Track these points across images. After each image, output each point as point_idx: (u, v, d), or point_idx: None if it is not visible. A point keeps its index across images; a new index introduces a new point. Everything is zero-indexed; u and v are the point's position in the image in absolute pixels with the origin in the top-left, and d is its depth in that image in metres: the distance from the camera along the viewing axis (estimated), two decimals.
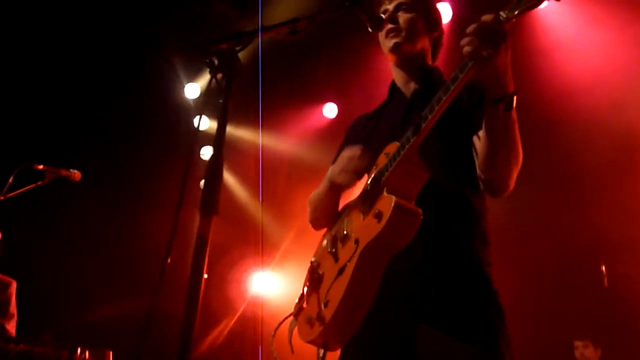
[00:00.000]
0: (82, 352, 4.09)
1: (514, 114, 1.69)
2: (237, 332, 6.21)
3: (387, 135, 2.07)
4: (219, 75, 1.39)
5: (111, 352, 4.27)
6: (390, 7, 2.20)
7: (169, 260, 1.36)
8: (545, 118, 4.94)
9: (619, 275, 4.54)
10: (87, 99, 5.87)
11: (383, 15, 2.13)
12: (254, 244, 6.07)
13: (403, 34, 2.13)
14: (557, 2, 1.59)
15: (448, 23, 5.16)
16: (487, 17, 1.54)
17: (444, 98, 1.63)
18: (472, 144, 1.92)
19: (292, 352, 1.92)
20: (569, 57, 4.88)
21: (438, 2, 5.08)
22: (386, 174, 1.79)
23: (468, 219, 1.92)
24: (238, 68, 1.38)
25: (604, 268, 4.50)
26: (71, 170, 3.61)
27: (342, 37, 5.39)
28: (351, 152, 1.96)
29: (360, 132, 2.27)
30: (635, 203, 4.93)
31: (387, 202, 1.72)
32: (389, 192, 1.74)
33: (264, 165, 5.67)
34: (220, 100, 1.33)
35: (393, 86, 2.25)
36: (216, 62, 1.38)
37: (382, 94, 2.31)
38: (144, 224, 5.49)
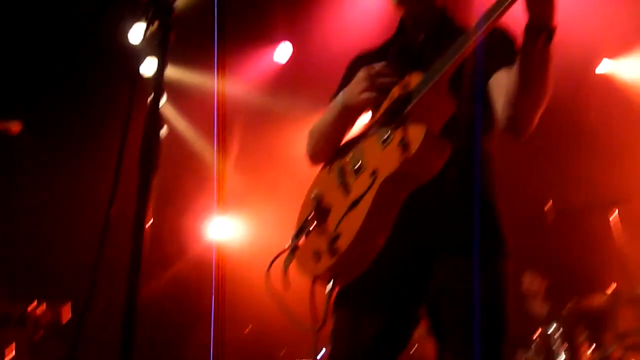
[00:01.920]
0: (39, 304, 4.03)
1: (551, 51, 1.60)
2: (192, 277, 6.22)
3: (399, 72, 1.89)
4: (155, 24, 1.33)
5: (70, 303, 4.24)
6: None
7: (112, 211, 1.33)
8: None
9: (563, 212, 4.75)
10: (24, 44, 5.54)
11: None
12: (210, 190, 6.04)
13: None
14: None
15: None
16: None
17: (486, 24, 1.53)
18: (488, 88, 1.85)
19: (288, 288, 1.81)
20: None
21: None
22: (411, 103, 1.68)
23: (485, 161, 1.90)
24: (173, 20, 1.32)
25: (550, 204, 4.67)
26: (9, 121, 3.42)
27: None
28: (370, 70, 1.83)
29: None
30: (583, 145, 5.13)
31: (417, 131, 1.59)
32: (416, 121, 1.62)
33: (219, 111, 5.56)
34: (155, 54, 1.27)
35: (401, 26, 2.11)
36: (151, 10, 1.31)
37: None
38: (90, 172, 5.36)
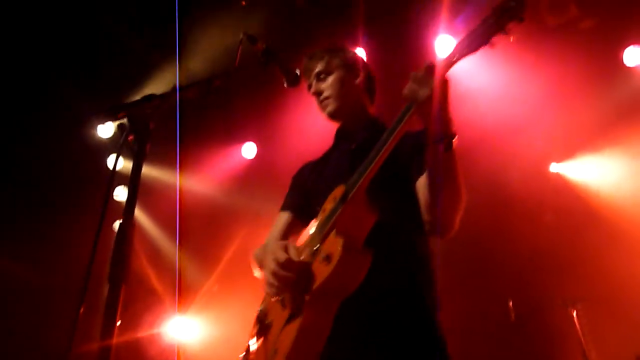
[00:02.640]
0: None
1: (455, 155, 1.75)
2: None
3: (334, 181, 2.07)
4: (130, 138, 1.37)
5: None
6: (312, 81, 2.29)
7: (81, 311, 1.29)
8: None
9: (525, 311, 4.80)
10: None
11: (298, 72, 2.20)
12: (170, 288, 5.88)
13: (331, 99, 2.23)
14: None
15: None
16: (428, 64, 1.65)
17: (390, 140, 1.69)
18: (415, 189, 1.97)
19: None
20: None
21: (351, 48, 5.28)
22: (334, 217, 1.78)
23: (416, 262, 1.96)
24: (150, 132, 1.36)
25: (511, 304, 4.74)
26: None
27: (260, 77, 5.45)
28: (275, 264, 1.87)
29: (307, 178, 2.29)
30: (541, 247, 5.30)
31: (336, 245, 1.68)
32: (337, 234, 1.71)
33: (182, 208, 5.55)
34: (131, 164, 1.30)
35: (339, 133, 2.31)
36: (127, 125, 1.36)
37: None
38: (59, 262, 5.18)
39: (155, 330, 5.90)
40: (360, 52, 5.41)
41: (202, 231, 6.03)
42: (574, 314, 4.67)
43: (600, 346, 4.75)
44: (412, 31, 5.32)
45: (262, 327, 1.89)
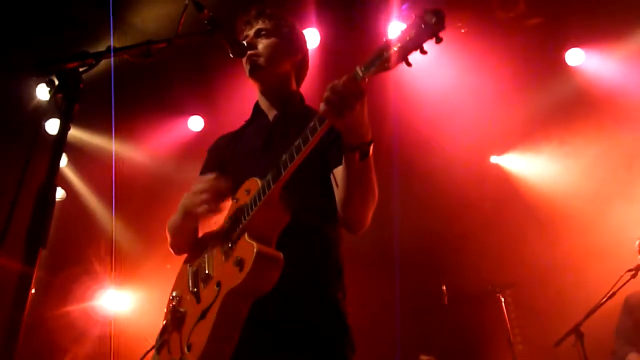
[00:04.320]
0: None
1: (371, 161, 1.77)
2: (86, 354, 5.77)
3: (248, 158, 2.11)
4: (59, 96, 1.30)
5: None
6: (250, 33, 2.23)
7: None
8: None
9: (457, 296, 4.98)
10: None
11: (245, 42, 2.15)
12: (105, 258, 5.74)
13: (262, 59, 2.16)
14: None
15: (316, 48, 5.33)
16: (343, 78, 1.61)
17: (304, 148, 1.68)
18: (331, 178, 1.99)
19: None
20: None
21: (303, 27, 5.23)
22: (247, 217, 1.78)
23: (324, 252, 1.99)
24: (81, 92, 1.30)
25: (444, 288, 4.90)
26: None
27: (208, 48, 5.32)
28: (204, 184, 1.92)
29: (222, 153, 2.26)
30: (477, 235, 5.48)
31: (248, 250, 1.70)
32: (250, 237, 1.74)
33: (121, 178, 5.39)
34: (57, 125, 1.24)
35: (256, 108, 2.28)
36: (56, 82, 1.29)
37: (250, 108, 2.33)
38: None
39: (89, 303, 5.75)
40: (313, 32, 5.37)
41: (143, 203, 5.89)
42: (502, 299, 4.87)
43: (525, 331, 4.99)
44: (366, 15, 5.32)
45: (176, 316, 1.90)
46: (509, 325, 4.80)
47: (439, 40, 1.43)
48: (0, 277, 1.23)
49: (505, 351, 4.77)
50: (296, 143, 1.70)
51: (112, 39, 4.35)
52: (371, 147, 1.75)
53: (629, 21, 5.02)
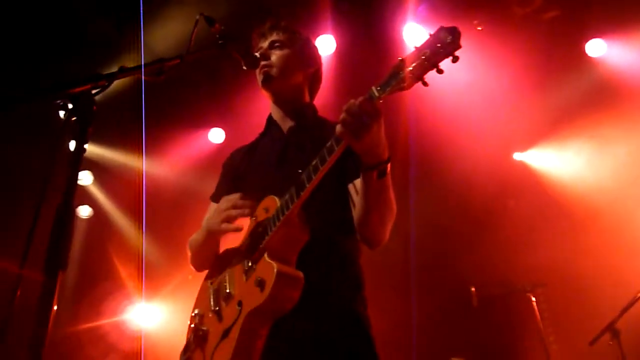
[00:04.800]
0: None
1: (388, 179, 1.77)
2: None
3: (263, 172, 2.11)
4: (73, 119, 1.32)
5: None
6: (264, 45, 2.24)
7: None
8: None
9: (486, 297, 4.90)
10: None
11: (257, 55, 2.16)
12: (135, 274, 5.80)
13: (274, 70, 2.16)
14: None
15: (332, 54, 5.33)
16: (360, 99, 1.60)
17: (321, 167, 1.67)
18: (348, 191, 1.98)
19: None
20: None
21: (319, 34, 5.24)
22: (266, 237, 1.79)
23: (343, 266, 1.98)
24: (94, 114, 1.32)
25: (473, 289, 4.82)
26: None
27: (225, 62, 5.37)
28: (229, 203, 1.93)
29: (237, 167, 2.27)
30: (503, 233, 5.40)
31: (269, 270, 1.71)
32: (270, 257, 1.74)
33: (147, 193, 5.46)
34: (72, 147, 1.25)
35: (270, 120, 2.28)
36: (70, 105, 1.31)
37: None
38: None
39: (118, 317, 5.83)
40: (329, 39, 5.38)
41: (168, 217, 5.95)
42: (533, 299, 4.78)
43: (558, 330, 4.87)
44: (382, 18, 5.30)
45: (198, 335, 1.92)
46: (541, 325, 4.70)
47: (455, 59, 1.43)
48: (25, 293, 1.24)
49: (539, 352, 4.67)
50: (313, 163, 1.70)
51: (142, 59, 4.37)
52: (389, 166, 1.73)
53: None
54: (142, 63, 1.61)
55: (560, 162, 5.75)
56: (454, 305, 5.21)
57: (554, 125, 5.54)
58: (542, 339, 4.64)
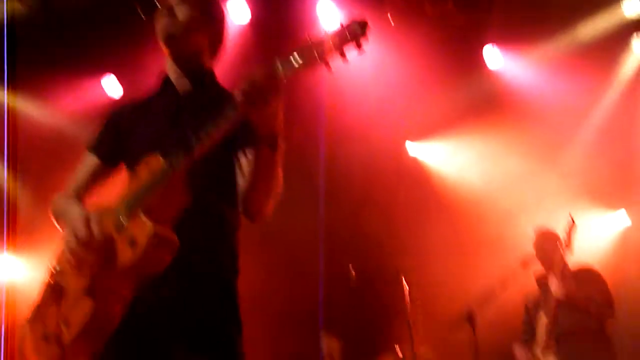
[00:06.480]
0: None
1: (279, 155, 1.79)
2: None
3: (153, 133, 2.02)
4: None
5: None
6: None
7: None
8: None
9: (363, 275, 5.15)
10: None
11: (157, 3, 2.04)
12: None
13: (179, 28, 2.04)
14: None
15: (247, 24, 5.20)
16: (262, 72, 1.60)
17: (212, 132, 1.67)
18: (237, 161, 1.95)
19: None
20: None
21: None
22: (145, 195, 1.72)
23: (222, 236, 1.98)
24: None
25: (352, 271, 5.03)
26: None
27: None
28: (77, 232, 1.76)
29: (125, 122, 2.13)
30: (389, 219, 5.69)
31: (143, 229, 1.65)
32: (147, 216, 1.67)
33: (19, 135, 5.01)
34: None
35: (166, 80, 2.15)
36: None
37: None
38: None
39: None
40: (244, 6, 5.21)
41: (46, 165, 5.50)
42: (404, 281, 5.09)
43: (426, 312, 5.26)
44: None
45: (56, 288, 1.81)
46: (408, 308, 5.02)
47: (361, 50, 1.53)
48: None
49: (406, 335, 5.00)
50: (205, 127, 1.68)
51: None
52: (280, 140, 1.76)
53: (545, 28, 5.35)
54: None
55: (448, 158, 6.16)
56: (333, 283, 5.43)
57: (448, 123, 5.89)
58: (408, 322, 4.96)
